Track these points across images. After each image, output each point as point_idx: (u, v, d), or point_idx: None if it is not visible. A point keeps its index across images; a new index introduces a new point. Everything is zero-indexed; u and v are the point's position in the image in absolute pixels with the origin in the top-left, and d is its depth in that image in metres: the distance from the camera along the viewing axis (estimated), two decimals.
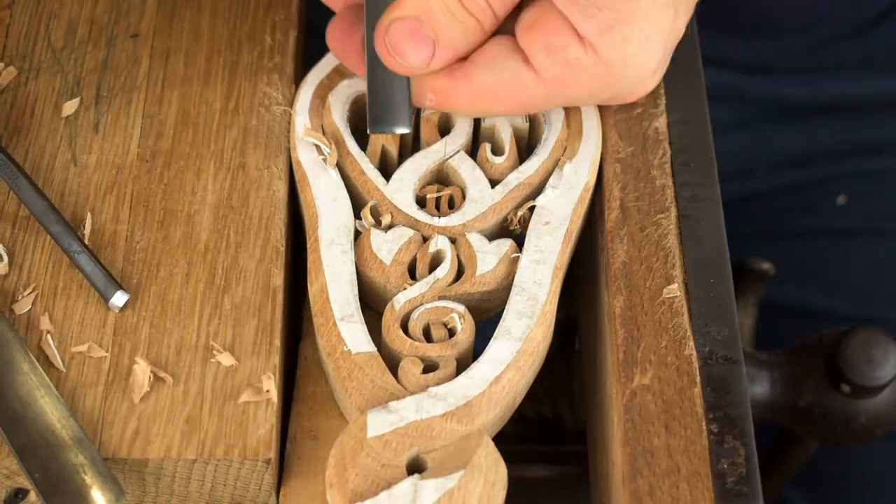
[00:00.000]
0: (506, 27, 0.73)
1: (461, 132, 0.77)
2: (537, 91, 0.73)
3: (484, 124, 0.78)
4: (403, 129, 0.74)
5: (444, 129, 0.78)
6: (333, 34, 0.76)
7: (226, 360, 0.70)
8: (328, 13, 0.77)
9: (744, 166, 1.09)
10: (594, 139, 0.77)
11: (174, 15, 0.83)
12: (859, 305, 1.03)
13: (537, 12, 0.72)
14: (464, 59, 0.73)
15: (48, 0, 0.83)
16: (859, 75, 1.08)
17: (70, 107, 0.78)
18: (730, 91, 1.07)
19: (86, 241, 0.74)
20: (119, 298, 0.71)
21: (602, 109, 0.79)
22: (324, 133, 0.77)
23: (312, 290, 0.72)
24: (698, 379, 0.69)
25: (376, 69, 0.73)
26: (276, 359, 0.71)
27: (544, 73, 0.72)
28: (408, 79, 0.73)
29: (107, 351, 0.71)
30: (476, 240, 0.74)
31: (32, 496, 0.69)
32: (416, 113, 0.78)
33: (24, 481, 0.69)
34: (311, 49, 0.84)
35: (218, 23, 0.83)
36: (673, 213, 0.75)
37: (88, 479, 0.66)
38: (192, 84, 0.80)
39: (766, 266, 0.90)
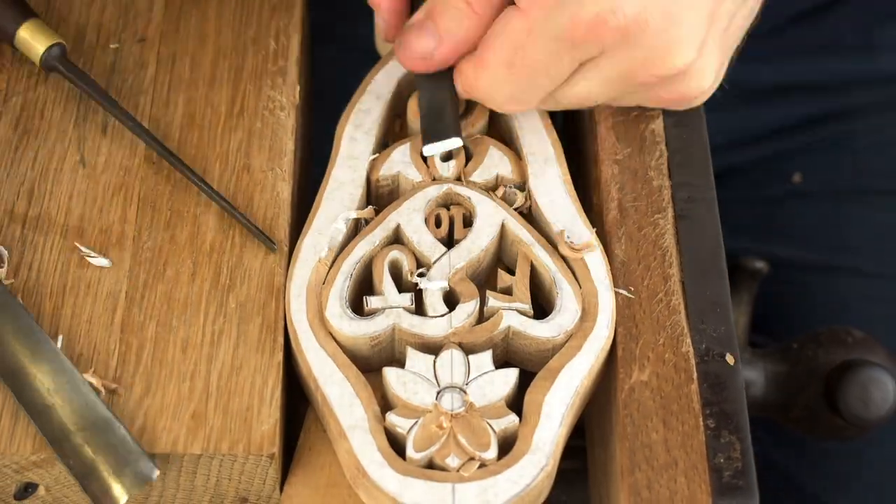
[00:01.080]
0: None
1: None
2: None
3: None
4: (454, 142, 0.75)
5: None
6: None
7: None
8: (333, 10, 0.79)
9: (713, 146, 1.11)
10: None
11: (180, 20, 0.83)
12: (824, 256, 1.05)
13: None
14: None
15: (57, 5, 0.83)
16: (818, 57, 1.08)
17: None
18: None
19: (90, 244, 0.74)
20: None
21: (600, 112, 0.78)
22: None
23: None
24: (695, 375, 0.69)
25: (422, 90, 0.76)
26: (280, 356, 0.71)
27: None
28: (455, 96, 0.75)
29: (114, 348, 0.71)
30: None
31: (42, 490, 0.69)
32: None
33: (33, 476, 0.68)
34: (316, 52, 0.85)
35: (223, 27, 0.83)
36: (670, 213, 0.75)
37: (121, 458, 0.66)
38: (197, 87, 0.80)
39: (759, 265, 0.90)
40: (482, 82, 0.74)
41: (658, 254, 0.73)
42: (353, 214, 0.75)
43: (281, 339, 0.71)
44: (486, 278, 0.75)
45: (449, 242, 0.75)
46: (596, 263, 0.73)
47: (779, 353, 0.86)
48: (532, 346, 0.72)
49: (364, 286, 0.74)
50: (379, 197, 0.78)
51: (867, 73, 1.08)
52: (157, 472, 0.66)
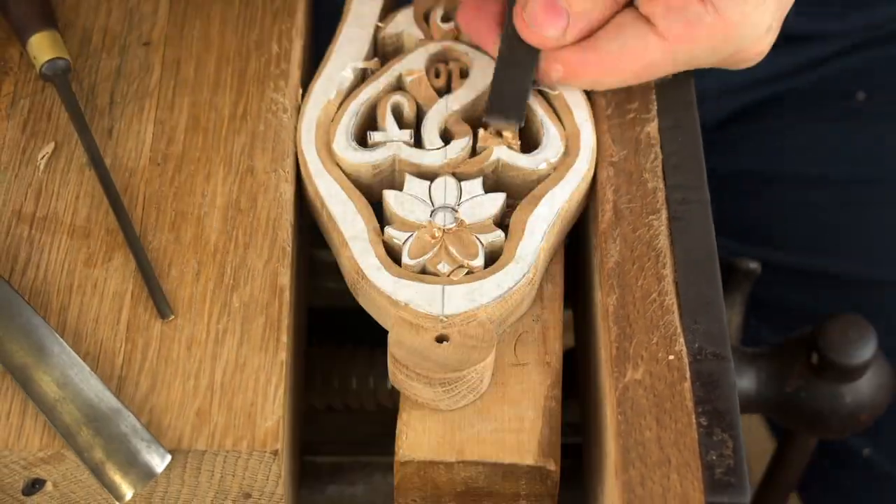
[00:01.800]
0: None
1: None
2: (661, 54, 0.75)
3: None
4: (515, 123, 0.78)
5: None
6: (465, 12, 0.79)
7: None
8: None
9: (765, 75, 1.11)
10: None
11: (185, 24, 0.83)
12: (883, 175, 1.05)
13: None
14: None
15: (64, 10, 0.84)
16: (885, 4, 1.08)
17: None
18: None
19: (97, 245, 0.74)
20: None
21: (595, 115, 0.79)
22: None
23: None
24: (688, 374, 0.69)
25: (506, 59, 0.78)
26: (283, 355, 0.71)
27: (667, 33, 0.74)
28: (532, 71, 0.77)
29: (120, 346, 0.71)
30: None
31: (49, 486, 0.70)
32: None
33: (41, 472, 0.69)
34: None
35: (227, 32, 0.83)
36: (664, 214, 0.75)
37: (132, 448, 0.67)
38: (202, 91, 0.81)
39: (753, 265, 0.91)
40: (591, 71, 0.76)
41: (652, 255, 0.74)
42: (361, 64, 0.82)
43: (284, 338, 0.72)
44: (479, 125, 0.80)
45: (447, 94, 0.81)
46: (579, 106, 0.79)
47: (772, 351, 0.87)
48: (519, 177, 0.77)
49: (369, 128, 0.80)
50: (385, 54, 0.83)
51: None
52: (168, 458, 0.67)
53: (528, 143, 0.79)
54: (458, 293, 0.72)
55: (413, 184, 0.76)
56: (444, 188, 0.76)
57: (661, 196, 0.76)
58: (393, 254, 0.74)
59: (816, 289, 1.04)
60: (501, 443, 0.70)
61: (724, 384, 0.69)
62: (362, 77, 0.82)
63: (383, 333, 0.72)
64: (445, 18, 0.83)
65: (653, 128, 0.78)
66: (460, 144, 0.78)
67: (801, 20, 1.07)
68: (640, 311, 0.72)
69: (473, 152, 0.78)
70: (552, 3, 0.75)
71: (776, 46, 1.06)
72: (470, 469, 0.70)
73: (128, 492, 0.67)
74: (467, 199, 0.76)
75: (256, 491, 0.70)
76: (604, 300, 0.73)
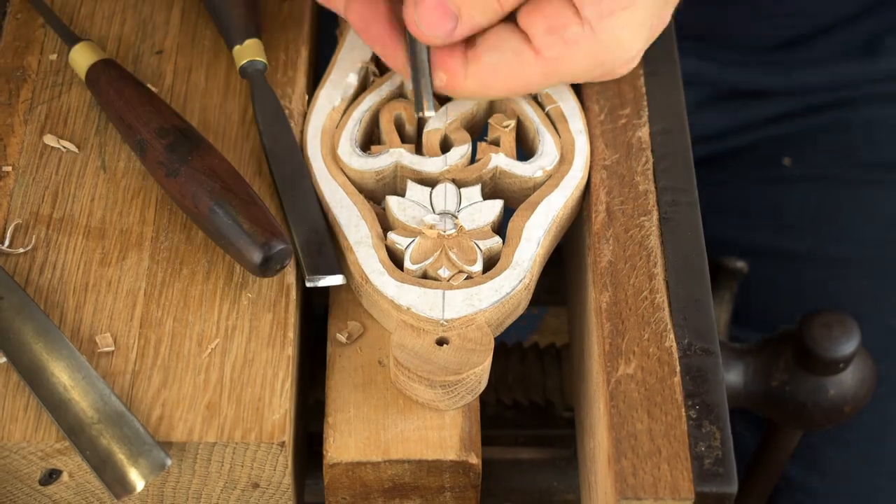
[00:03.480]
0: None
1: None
2: (537, 70, 0.74)
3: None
4: (433, 112, 0.77)
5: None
6: (354, 9, 0.76)
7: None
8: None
9: (713, 132, 1.11)
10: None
11: (195, 33, 0.83)
12: (812, 242, 1.05)
13: None
14: (469, 43, 0.75)
15: (79, 20, 0.84)
16: (826, 65, 1.08)
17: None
18: (707, 78, 1.08)
19: (111, 245, 0.74)
20: None
21: (589, 120, 0.79)
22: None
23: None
24: (678, 368, 0.70)
25: (415, 61, 0.76)
26: (290, 350, 0.71)
27: (544, 52, 0.73)
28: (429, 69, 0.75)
29: (133, 342, 0.71)
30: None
31: (65, 476, 0.70)
32: None
33: (57, 462, 0.69)
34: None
35: None
36: (655, 215, 0.75)
37: (135, 450, 0.67)
38: (212, 97, 0.81)
39: (740, 264, 0.91)
40: (470, 83, 0.75)
41: (644, 254, 0.74)
42: (363, 64, 0.81)
43: (291, 334, 0.72)
44: (478, 133, 0.81)
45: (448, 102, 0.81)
46: (574, 116, 0.79)
47: (758, 346, 0.87)
48: (516, 184, 0.77)
49: (372, 139, 0.80)
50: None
51: (868, 74, 1.08)
52: (170, 461, 0.67)
53: (525, 150, 0.79)
54: (458, 298, 0.72)
55: (414, 190, 0.76)
56: (445, 194, 0.76)
57: (652, 198, 0.76)
58: (395, 258, 0.74)
59: None
60: (425, 440, 0.70)
61: (713, 378, 0.69)
62: (366, 83, 0.82)
63: None
64: None
65: (644, 133, 0.78)
66: (460, 152, 0.78)
67: (752, 75, 1.08)
68: (632, 309, 0.72)
69: (473, 159, 0.78)
70: (441, 4, 0.72)
71: (723, 102, 1.07)
72: (396, 467, 0.70)
73: (128, 492, 0.66)
74: (467, 206, 0.76)
75: (264, 481, 0.71)
76: (597, 298, 0.73)
